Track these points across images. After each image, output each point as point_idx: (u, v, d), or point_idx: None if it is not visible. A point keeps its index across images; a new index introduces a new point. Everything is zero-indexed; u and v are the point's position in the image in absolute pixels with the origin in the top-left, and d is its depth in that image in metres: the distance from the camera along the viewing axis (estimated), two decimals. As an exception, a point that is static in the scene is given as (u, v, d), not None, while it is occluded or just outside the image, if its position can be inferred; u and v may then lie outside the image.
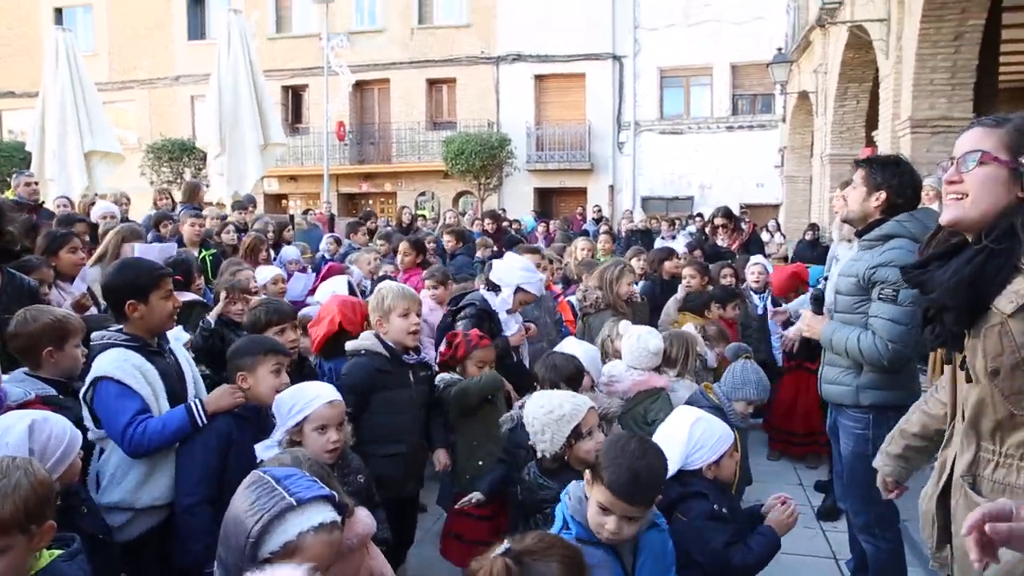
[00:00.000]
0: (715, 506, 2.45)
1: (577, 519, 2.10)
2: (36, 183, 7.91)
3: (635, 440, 2.16)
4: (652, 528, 2.19)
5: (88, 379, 2.64)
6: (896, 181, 3.13)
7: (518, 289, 4.39)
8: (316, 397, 2.59)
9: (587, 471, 2.14)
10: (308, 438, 2.56)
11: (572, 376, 3.24)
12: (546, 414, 2.60)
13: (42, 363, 2.83)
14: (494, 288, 4.42)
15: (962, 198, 1.84)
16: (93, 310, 4.10)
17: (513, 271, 4.48)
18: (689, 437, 2.52)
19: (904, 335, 3.01)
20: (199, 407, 2.63)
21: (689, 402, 3.49)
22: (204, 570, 2.47)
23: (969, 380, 1.89)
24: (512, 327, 4.37)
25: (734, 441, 2.62)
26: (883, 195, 3.13)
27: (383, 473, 3.14)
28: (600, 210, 17.66)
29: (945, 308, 1.87)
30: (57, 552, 1.71)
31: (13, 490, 1.59)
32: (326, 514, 1.63)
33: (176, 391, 2.78)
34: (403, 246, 6.72)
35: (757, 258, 6.69)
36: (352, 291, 4.93)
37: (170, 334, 3.02)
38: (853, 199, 3.22)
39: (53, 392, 2.75)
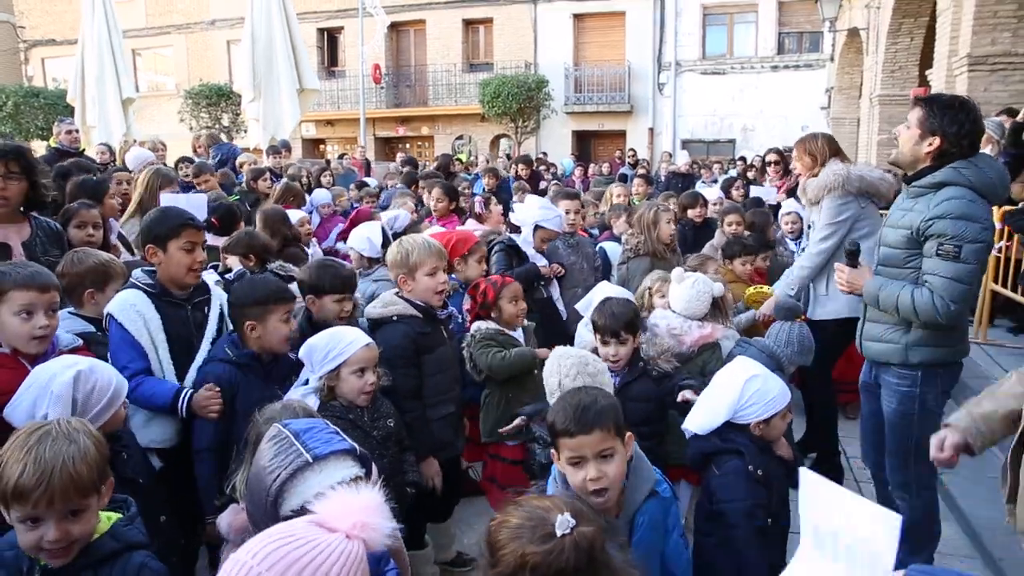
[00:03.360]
0: (750, 467, 2.37)
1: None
2: (77, 131, 8.03)
3: (568, 391, 2.11)
4: (651, 498, 2.06)
5: (104, 312, 2.76)
6: (954, 129, 2.85)
7: (537, 228, 4.52)
8: (353, 341, 2.61)
9: (552, 449, 2.04)
10: (346, 381, 2.60)
11: (632, 322, 3.10)
12: (584, 368, 2.54)
13: (84, 303, 2.97)
14: (517, 230, 4.56)
15: None
16: (126, 255, 4.18)
17: (530, 210, 4.61)
18: (742, 392, 2.42)
19: (965, 294, 2.83)
20: (186, 402, 2.63)
21: (740, 352, 3.43)
22: (206, 511, 2.56)
23: None
24: (540, 262, 4.48)
25: (789, 403, 2.50)
26: (936, 141, 2.88)
27: (439, 436, 3.12)
28: (636, 154, 17.33)
29: None
30: (116, 516, 1.74)
31: (84, 452, 1.63)
32: (346, 470, 1.57)
33: (189, 343, 2.81)
34: (436, 192, 6.38)
35: (791, 204, 6.46)
36: (386, 237, 4.90)
37: (207, 279, 3.05)
38: (904, 139, 2.99)
39: (92, 330, 2.84)
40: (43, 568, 1.63)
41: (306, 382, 2.71)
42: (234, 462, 2.12)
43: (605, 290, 3.68)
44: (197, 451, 2.67)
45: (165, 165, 7.98)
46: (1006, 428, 2.09)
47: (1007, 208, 5.75)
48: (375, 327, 3.10)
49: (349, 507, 1.24)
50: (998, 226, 5.80)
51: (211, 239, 4.55)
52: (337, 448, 1.59)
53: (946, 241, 2.79)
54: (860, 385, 3.46)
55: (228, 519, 2.02)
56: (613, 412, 1.96)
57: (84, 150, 8.21)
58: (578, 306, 3.81)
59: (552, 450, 2.03)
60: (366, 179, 9.57)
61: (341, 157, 15.78)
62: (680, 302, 3.52)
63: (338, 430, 1.69)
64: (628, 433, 2.00)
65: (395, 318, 3.05)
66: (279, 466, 1.54)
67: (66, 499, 1.57)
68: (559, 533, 1.33)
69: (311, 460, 1.54)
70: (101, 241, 3.88)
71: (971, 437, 2.12)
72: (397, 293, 3.15)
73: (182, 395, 2.64)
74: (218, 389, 2.63)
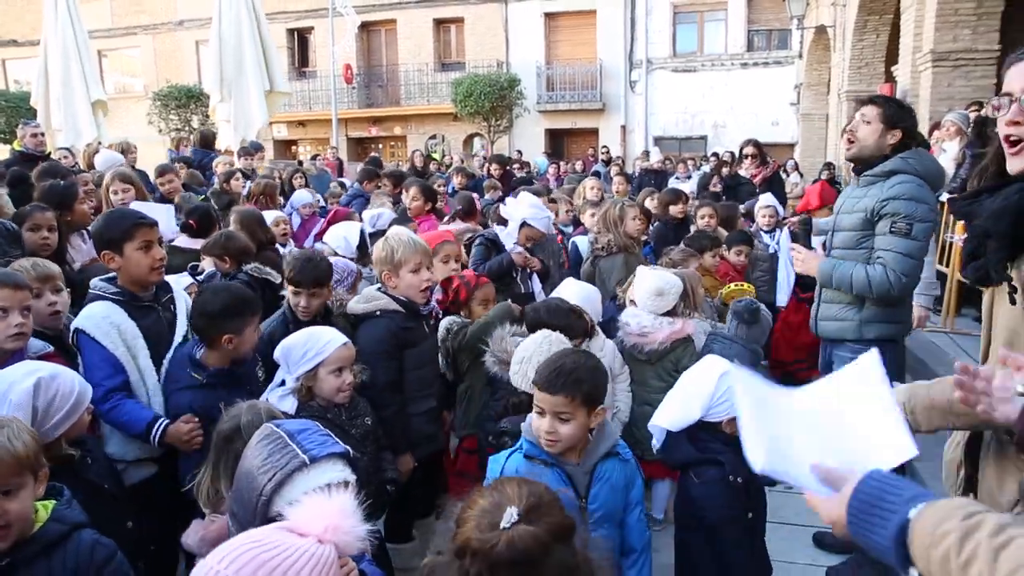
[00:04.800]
0: (731, 476, 2.40)
1: (528, 438, 2.18)
2: (42, 134, 7.84)
3: (565, 349, 2.25)
4: (612, 457, 2.21)
5: (71, 327, 2.67)
6: (911, 122, 3.23)
7: (524, 225, 4.53)
8: (331, 340, 2.60)
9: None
10: (323, 381, 2.59)
11: (576, 324, 3.17)
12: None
13: None
14: (504, 223, 4.58)
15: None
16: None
17: (520, 206, 4.62)
18: (716, 389, 2.44)
19: (915, 269, 3.12)
20: (159, 432, 2.54)
21: (709, 343, 3.49)
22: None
23: (1013, 302, 1.81)
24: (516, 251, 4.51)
25: None
26: (898, 134, 3.18)
27: (421, 430, 3.13)
28: (608, 151, 17.41)
29: (988, 235, 1.82)
30: (52, 502, 1.76)
31: (19, 434, 1.68)
32: (336, 473, 1.58)
33: (166, 343, 2.76)
34: (413, 191, 6.23)
35: (767, 198, 6.55)
36: (363, 238, 4.88)
37: (173, 280, 3.00)
38: (866, 134, 3.24)
39: (43, 344, 2.70)
40: None
41: (282, 383, 2.68)
42: (197, 466, 2.08)
43: (571, 285, 3.69)
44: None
45: (135, 168, 7.88)
46: (939, 419, 1.91)
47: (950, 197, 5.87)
48: (358, 322, 3.10)
49: (321, 512, 1.25)
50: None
51: (188, 241, 4.50)
52: (332, 451, 1.60)
53: (899, 219, 3.09)
54: (820, 368, 3.62)
55: (198, 534, 1.96)
56: (587, 385, 2.08)
57: (50, 153, 8.05)
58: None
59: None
60: (343, 180, 9.52)
61: (314, 158, 15.66)
62: (642, 295, 3.59)
63: (330, 432, 1.69)
64: (601, 407, 2.14)
65: (378, 313, 3.05)
66: (274, 466, 1.53)
67: (2, 475, 1.61)
68: (501, 526, 1.35)
69: (308, 462, 1.54)
70: (56, 245, 3.73)
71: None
72: (380, 288, 3.14)
73: (155, 427, 2.53)
74: (197, 420, 2.50)
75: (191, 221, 4.64)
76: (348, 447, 1.67)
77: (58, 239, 3.79)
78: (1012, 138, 1.71)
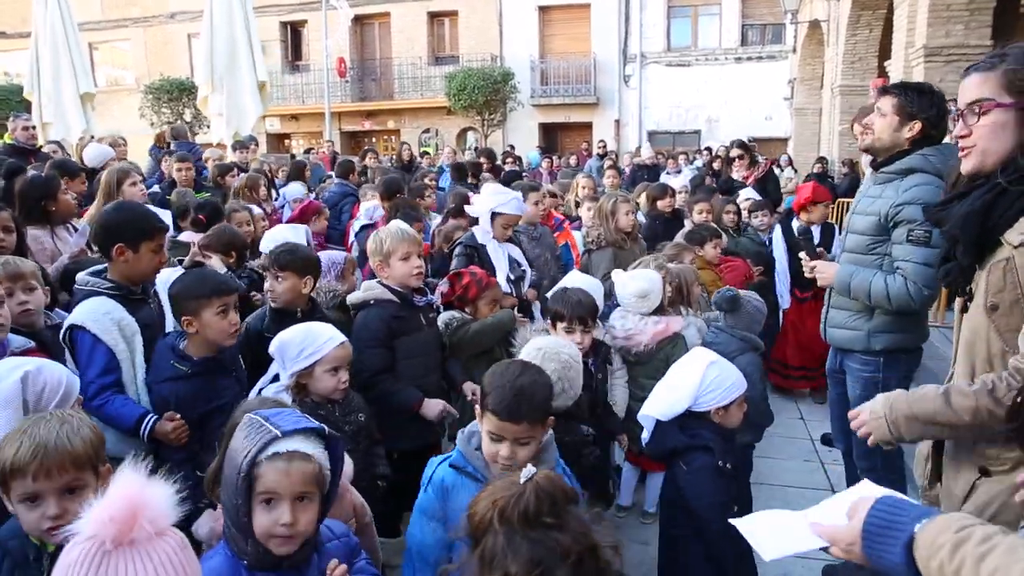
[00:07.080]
0: (719, 462, 2.42)
1: (461, 449, 2.07)
2: (34, 127, 7.79)
3: (513, 363, 2.13)
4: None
5: (66, 324, 2.65)
6: (933, 112, 2.91)
7: (495, 215, 4.31)
8: (329, 339, 2.60)
9: (476, 405, 2.06)
10: (319, 379, 2.59)
11: (593, 313, 3.21)
12: (564, 369, 2.53)
13: None
14: (476, 223, 4.44)
15: (973, 149, 1.82)
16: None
17: (484, 198, 4.42)
18: (703, 378, 2.47)
19: (936, 279, 2.82)
20: (149, 427, 2.55)
21: (707, 341, 3.51)
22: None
23: (965, 309, 1.94)
24: (501, 261, 4.29)
25: (745, 391, 2.58)
26: (918, 126, 2.91)
27: (405, 421, 3.13)
28: (605, 145, 17.42)
29: (956, 240, 1.89)
30: None
31: (78, 430, 1.67)
32: (297, 444, 1.59)
33: (154, 338, 2.77)
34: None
35: (747, 192, 6.65)
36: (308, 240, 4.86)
37: (161, 276, 3.02)
38: (882, 128, 2.99)
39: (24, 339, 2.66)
40: (52, 555, 1.62)
41: (275, 378, 2.69)
42: (209, 457, 2.07)
43: (576, 279, 3.71)
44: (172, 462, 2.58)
45: (128, 161, 7.84)
46: (919, 429, 1.94)
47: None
48: (355, 311, 3.25)
49: (103, 509, 1.18)
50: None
51: (193, 236, 4.49)
52: (304, 426, 1.63)
53: (916, 227, 2.84)
54: (827, 371, 3.54)
55: (208, 525, 1.99)
56: (545, 404, 2.01)
57: (42, 147, 8.01)
58: (549, 295, 3.83)
59: (477, 407, 2.05)
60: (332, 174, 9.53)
61: (307, 152, 15.60)
62: (625, 299, 3.59)
63: (308, 416, 1.71)
64: (550, 418, 2.06)
65: (372, 302, 3.17)
66: (250, 443, 1.58)
67: (63, 471, 1.61)
68: (522, 480, 1.43)
69: (279, 435, 1.58)
70: (14, 246, 3.52)
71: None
72: (378, 280, 3.26)
73: (145, 422, 2.55)
74: (181, 420, 2.55)
75: (200, 216, 4.63)
76: (323, 425, 1.69)
77: (16, 238, 3.57)
78: (961, 146, 1.84)
